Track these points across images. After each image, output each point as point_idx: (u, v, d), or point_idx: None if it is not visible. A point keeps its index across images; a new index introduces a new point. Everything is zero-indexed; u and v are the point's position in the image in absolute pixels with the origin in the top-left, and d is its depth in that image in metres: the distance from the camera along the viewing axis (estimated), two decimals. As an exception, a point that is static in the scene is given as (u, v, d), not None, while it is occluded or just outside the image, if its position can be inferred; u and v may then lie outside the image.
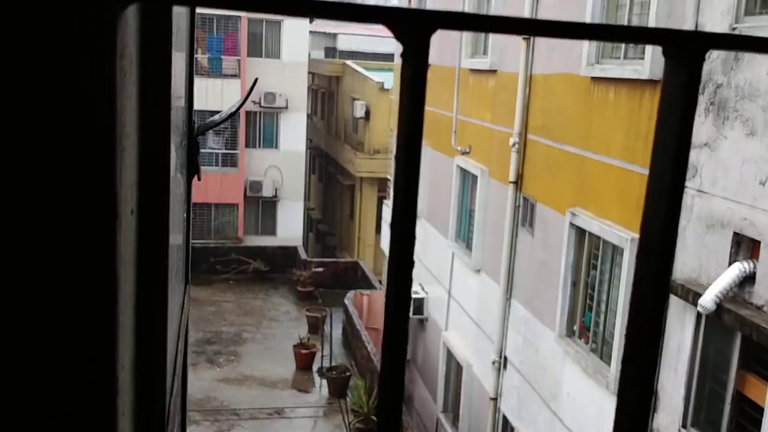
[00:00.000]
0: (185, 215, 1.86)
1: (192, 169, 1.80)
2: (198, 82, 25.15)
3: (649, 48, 7.50)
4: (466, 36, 12.77)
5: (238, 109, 2.94)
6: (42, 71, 0.42)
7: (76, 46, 0.42)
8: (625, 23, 8.24)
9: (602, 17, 8.60)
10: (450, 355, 13.48)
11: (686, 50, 0.46)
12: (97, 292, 0.50)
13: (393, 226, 0.45)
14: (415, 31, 0.42)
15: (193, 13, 1.73)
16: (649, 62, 7.49)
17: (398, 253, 0.44)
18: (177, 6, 1.05)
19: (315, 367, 18.09)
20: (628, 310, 0.50)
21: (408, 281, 0.45)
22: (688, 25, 6.96)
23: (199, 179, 1.87)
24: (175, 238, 1.40)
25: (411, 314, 14.94)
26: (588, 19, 8.67)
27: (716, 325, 6.61)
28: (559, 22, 0.47)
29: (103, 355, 0.51)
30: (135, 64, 0.63)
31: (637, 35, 0.51)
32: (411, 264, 0.45)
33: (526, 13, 10.32)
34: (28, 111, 0.43)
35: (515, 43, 10.71)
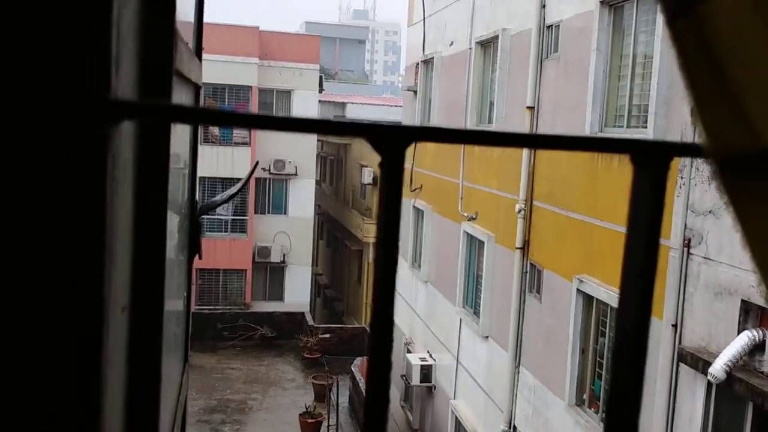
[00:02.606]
0: (186, 294, 1.89)
1: (193, 249, 1.85)
2: (209, 150, 25.36)
3: (651, 115, 7.63)
4: (472, 104, 13.02)
5: (240, 190, 3.02)
6: (35, 189, 0.45)
7: (67, 162, 0.45)
8: (627, 94, 8.40)
9: (604, 88, 8.78)
10: (459, 424, 13.24)
11: (652, 158, 0.49)
12: (81, 396, 0.51)
13: (371, 329, 0.48)
14: (392, 144, 0.46)
15: (198, 90, 1.81)
16: (652, 130, 7.60)
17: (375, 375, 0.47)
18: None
19: (321, 437, 17.75)
20: (610, 371, 0.52)
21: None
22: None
23: (200, 258, 1.91)
24: (172, 321, 1.42)
25: (419, 382, 14.75)
26: (590, 91, 8.85)
27: (727, 395, 6.51)
28: (531, 135, 0.52)
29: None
30: (130, 170, 0.67)
31: (605, 145, 0.54)
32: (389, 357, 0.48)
33: (529, 85, 10.54)
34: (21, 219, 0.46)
35: (520, 112, 10.90)
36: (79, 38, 0.46)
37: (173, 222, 1.33)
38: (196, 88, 1.71)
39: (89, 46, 0.47)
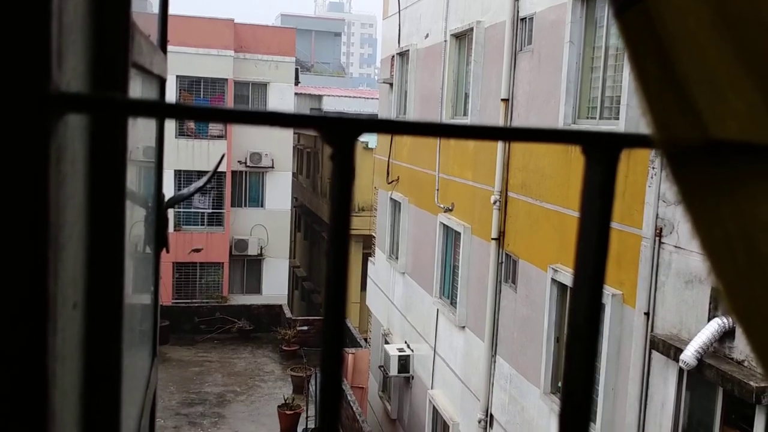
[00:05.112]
0: (153, 288, 1.89)
1: (160, 242, 1.84)
2: (185, 143, 25.06)
3: (624, 107, 7.71)
4: (447, 97, 13.05)
5: (206, 183, 3.01)
6: None
7: (4, 155, 0.45)
8: (600, 86, 8.47)
9: (577, 80, 8.85)
10: (436, 414, 13.32)
11: (602, 149, 0.50)
12: (24, 394, 0.50)
13: (324, 317, 0.49)
14: (341, 135, 0.47)
15: (162, 98, 1.80)
16: (624, 122, 7.68)
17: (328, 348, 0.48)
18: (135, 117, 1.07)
19: (300, 429, 17.77)
20: (565, 354, 0.54)
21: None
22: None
23: (167, 252, 1.91)
24: (137, 316, 1.42)
25: (397, 372, 14.81)
26: (564, 83, 8.91)
27: (698, 381, 6.62)
28: (481, 127, 0.52)
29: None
30: (81, 164, 0.67)
31: (556, 136, 0.54)
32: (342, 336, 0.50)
33: (504, 78, 10.58)
34: None
35: (494, 104, 10.95)
36: (15, 29, 0.46)
37: (137, 215, 1.33)
38: (161, 81, 1.71)
39: (26, 38, 0.46)
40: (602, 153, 0.50)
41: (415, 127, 0.52)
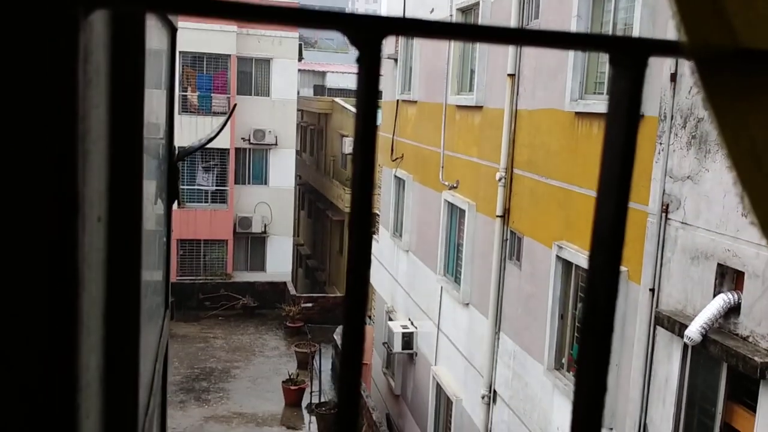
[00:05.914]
0: (165, 239, 1.88)
1: (172, 194, 1.84)
2: (188, 119, 25.02)
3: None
4: (453, 73, 12.96)
5: (216, 135, 3.00)
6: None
7: (34, 51, 0.44)
8: (606, 61, 8.38)
9: (585, 56, 8.77)
10: (439, 390, 13.40)
11: (630, 55, 0.48)
12: (57, 294, 0.49)
13: (350, 227, 0.48)
14: (369, 35, 0.44)
15: (173, 48, 1.78)
16: (631, 97, 7.61)
17: (356, 248, 0.47)
18: (149, 13, 1.05)
19: (304, 404, 17.91)
20: (581, 321, 0.52)
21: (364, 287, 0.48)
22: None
23: (179, 205, 1.90)
24: (151, 256, 1.42)
25: (401, 349, 14.87)
26: (570, 58, 8.83)
27: (703, 357, 6.63)
28: (504, 28, 0.50)
29: (64, 367, 0.51)
30: (102, 72, 0.66)
31: (582, 41, 0.52)
32: (367, 269, 0.48)
33: (510, 53, 10.49)
34: None
35: (501, 79, 10.87)
36: None
37: (151, 165, 1.32)
38: (173, 30, 1.68)
39: None
40: (629, 59, 0.48)
41: (444, 29, 0.50)
